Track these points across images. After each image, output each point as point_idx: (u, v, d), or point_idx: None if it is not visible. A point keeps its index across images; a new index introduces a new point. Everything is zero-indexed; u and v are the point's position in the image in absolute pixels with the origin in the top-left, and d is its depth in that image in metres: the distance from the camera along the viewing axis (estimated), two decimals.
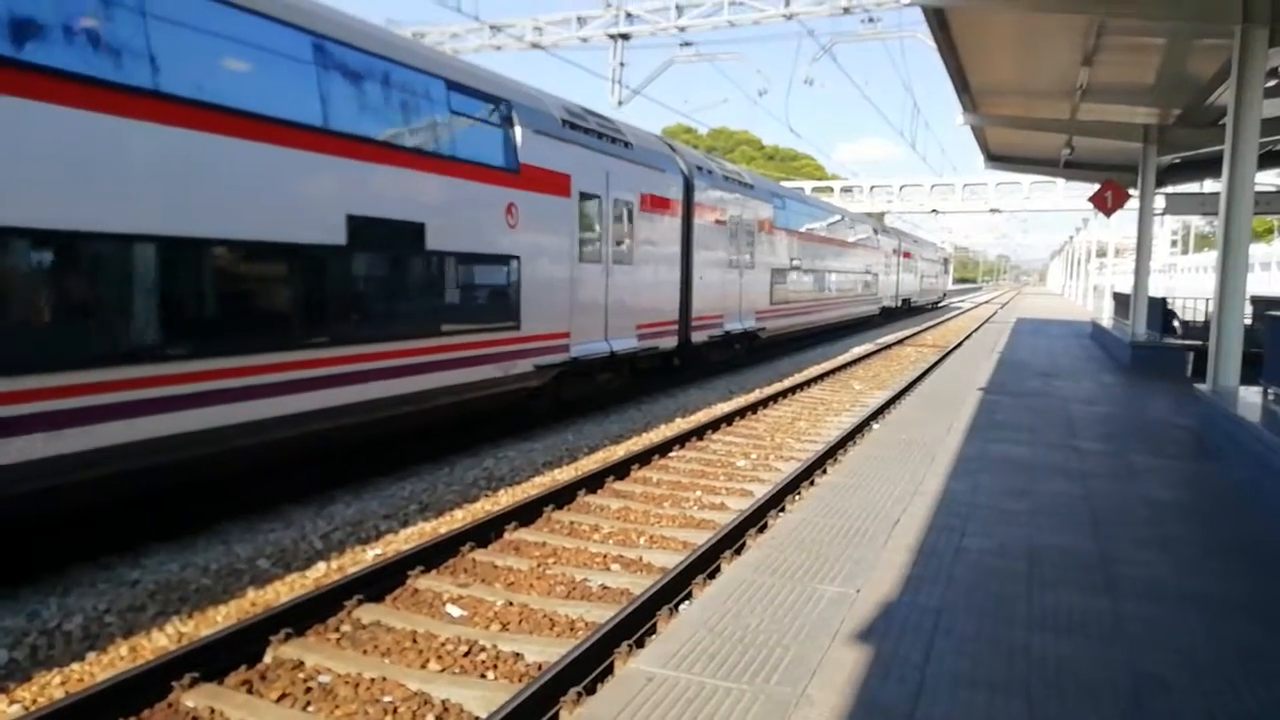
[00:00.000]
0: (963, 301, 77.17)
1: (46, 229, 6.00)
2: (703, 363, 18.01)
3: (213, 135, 7.12)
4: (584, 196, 12.72)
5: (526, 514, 8.10)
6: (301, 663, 5.25)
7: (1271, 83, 11.51)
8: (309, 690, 4.96)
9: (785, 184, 32.93)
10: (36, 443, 5.90)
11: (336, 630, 5.77)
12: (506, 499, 8.91)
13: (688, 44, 22.59)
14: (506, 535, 7.69)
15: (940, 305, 62.98)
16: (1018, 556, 5.42)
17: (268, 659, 5.31)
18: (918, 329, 35.56)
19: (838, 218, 31.36)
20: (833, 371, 19.89)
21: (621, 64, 22.42)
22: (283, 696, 4.89)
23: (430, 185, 9.66)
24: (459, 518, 8.29)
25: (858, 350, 24.92)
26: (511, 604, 6.19)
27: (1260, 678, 3.88)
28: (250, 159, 7.47)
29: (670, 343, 15.98)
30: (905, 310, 45.63)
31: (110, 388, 6.37)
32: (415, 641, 5.58)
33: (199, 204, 7.01)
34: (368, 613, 5.99)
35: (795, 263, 24.16)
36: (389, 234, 9.08)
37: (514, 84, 11.82)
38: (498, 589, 6.53)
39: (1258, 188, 12.19)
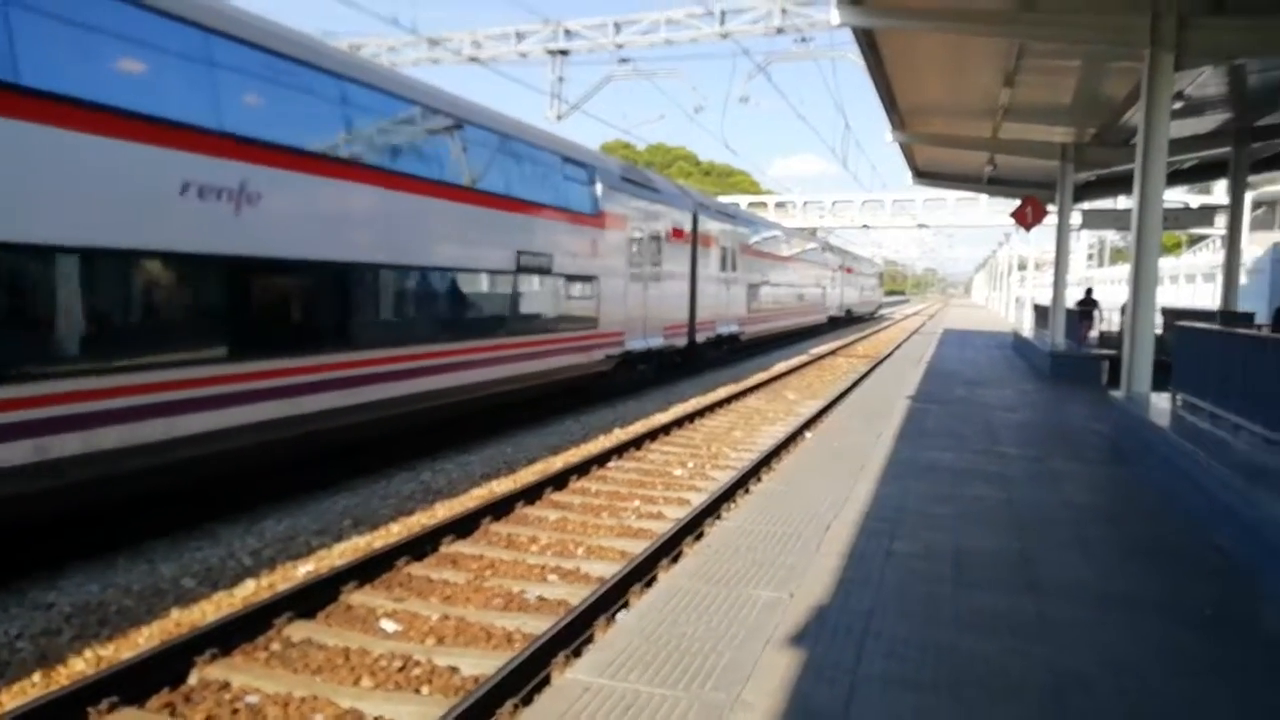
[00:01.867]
0: (893, 313, 79.05)
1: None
2: (702, 359, 21.98)
3: (478, 208, 11.94)
4: (634, 231, 17.04)
5: (463, 527, 8.02)
6: (228, 683, 5.10)
7: (1178, 105, 12.12)
8: (235, 711, 4.82)
9: (720, 199, 33.71)
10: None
11: (265, 649, 5.62)
12: (443, 512, 8.80)
13: (625, 61, 22.73)
14: (443, 548, 7.60)
15: (875, 316, 66.98)
16: (945, 559, 5.58)
17: (192, 680, 5.15)
18: (850, 340, 36.28)
19: (797, 240, 36.63)
20: (768, 382, 20.15)
21: (560, 79, 22.42)
22: (207, 719, 4.75)
23: (555, 228, 13.97)
24: (394, 532, 8.16)
25: (793, 361, 25.30)
26: (448, 617, 6.11)
27: (1175, 673, 4.06)
28: (491, 221, 12.21)
29: (683, 342, 20.27)
30: (847, 320, 50.17)
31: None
32: (348, 658, 5.47)
33: (481, 251, 12.00)
34: (298, 630, 5.85)
35: (765, 279, 28.89)
36: (536, 263, 13.24)
37: (595, 152, 16.92)
38: (433, 603, 6.44)
39: (1166, 204, 12.79)
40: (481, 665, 5.30)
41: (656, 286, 18.17)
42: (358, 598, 6.44)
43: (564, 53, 22.15)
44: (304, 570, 7.11)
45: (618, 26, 21.80)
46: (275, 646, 5.65)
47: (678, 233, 19.54)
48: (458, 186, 11.50)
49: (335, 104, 9.52)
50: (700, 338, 21.21)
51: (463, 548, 7.67)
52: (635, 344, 16.97)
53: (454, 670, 5.32)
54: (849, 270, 51.94)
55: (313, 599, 6.24)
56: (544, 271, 13.51)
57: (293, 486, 9.08)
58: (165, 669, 5.09)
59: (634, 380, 17.60)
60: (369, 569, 6.81)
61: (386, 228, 10.04)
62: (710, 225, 22.09)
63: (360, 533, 8.09)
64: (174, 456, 7.38)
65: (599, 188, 15.45)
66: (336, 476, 9.65)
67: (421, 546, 7.43)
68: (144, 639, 5.79)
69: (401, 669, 5.32)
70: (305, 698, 4.93)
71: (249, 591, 6.66)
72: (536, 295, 13.56)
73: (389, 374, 9.97)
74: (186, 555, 7.20)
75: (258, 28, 8.45)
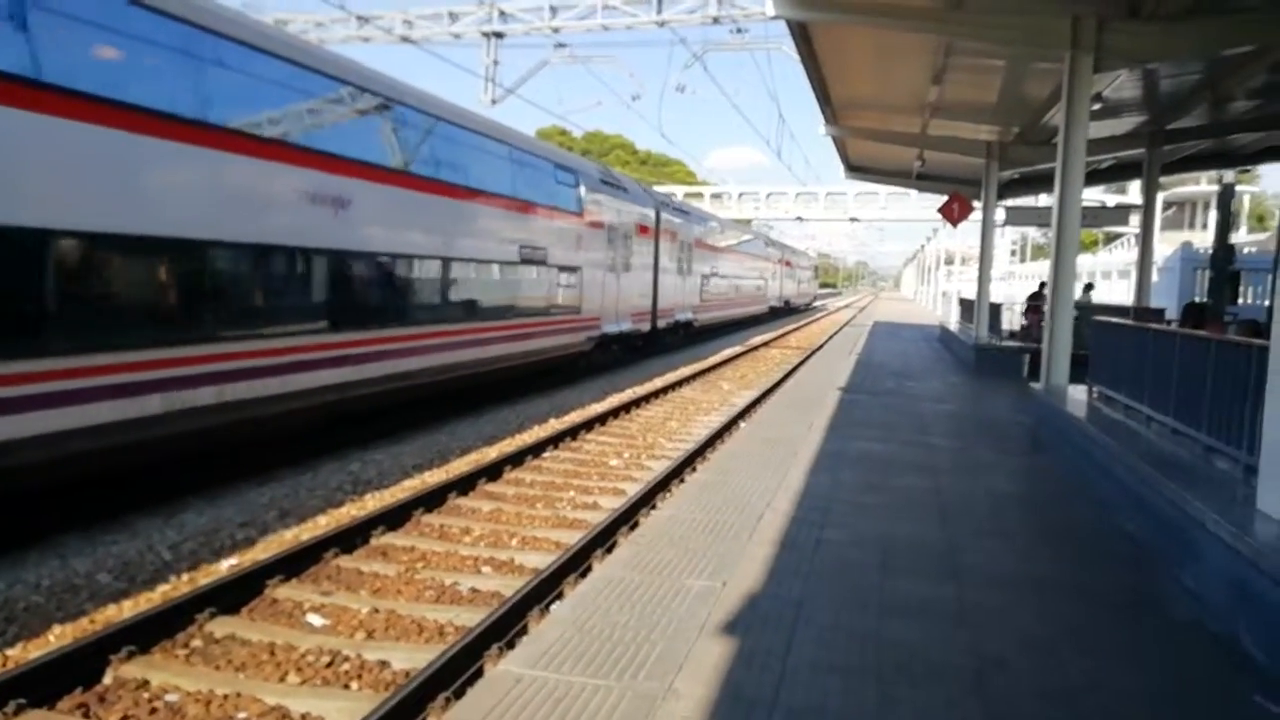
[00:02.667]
0: (826, 304, 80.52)
1: None
2: (661, 343, 24.44)
3: (506, 211, 14.62)
4: (609, 227, 19.22)
5: (394, 518, 7.90)
6: (146, 682, 4.94)
7: (1096, 106, 12.56)
8: (154, 711, 4.67)
9: (657, 189, 34.04)
10: None
11: (186, 646, 5.45)
12: (373, 503, 8.65)
13: (562, 45, 22.58)
14: (373, 540, 7.48)
15: (810, 307, 69.01)
16: (873, 547, 5.71)
17: (108, 679, 4.96)
18: (783, 331, 36.77)
19: (743, 234, 40.12)
20: (703, 372, 20.31)
21: (495, 62, 22.14)
22: (124, 719, 4.59)
23: (549, 225, 16.15)
24: (322, 524, 7.99)
25: (727, 352, 25.53)
26: (378, 611, 6.02)
27: (1083, 650, 4.23)
28: (506, 220, 14.57)
29: (646, 327, 22.64)
30: (785, 310, 52.87)
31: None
32: (273, 654, 5.35)
33: (499, 245, 14.29)
34: (221, 626, 5.69)
35: (715, 271, 31.52)
36: (535, 254, 15.40)
37: (580, 159, 20.26)
38: (363, 596, 6.34)
39: (1084, 202, 13.26)
40: (413, 659, 5.24)
41: (626, 277, 20.46)
42: (284, 592, 6.29)
43: (499, 35, 21.91)
44: (227, 564, 6.93)
45: (554, 10, 21.64)
46: (197, 643, 5.50)
47: (643, 229, 21.83)
48: (490, 194, 14.11)
49: (420, 133, 12.30)
50: (661, 323, 23.85)
51: (394, 539, 7.56)
52: (610, 328, 19.46)
53: (384, 665, 5.24)
54: (788, 264, 54.56)
55: (236, 594, 6.08)
56: (541, 263, 15.76)
57: (215, 477, 8.82)
58: (78, 668, 4.90)
59: (608, 359, 20.15)
60: (295, 562, 6.66)
61: (439, 227, 12.58)
62: (670, 221, 24.53)
63: (287, 525, 7.91)
64: (304, 404, 9.72)
65: (582, 189, 17.78)
66: (262, 467, 9.40)
67: (351, 539, 7.30)
68: (55, 638, 5.56)
69: (329, 664, 5.22)
70: (228, 695, 4.80)
71: (169, 586, 6.46)
72: (536, 284, 15.82)
73: (436, 347, 12.45)
74: (101, 549, 6.93)
75: (387, 81, 11.76)
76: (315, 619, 5.93)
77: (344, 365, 10.34)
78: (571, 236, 17.10)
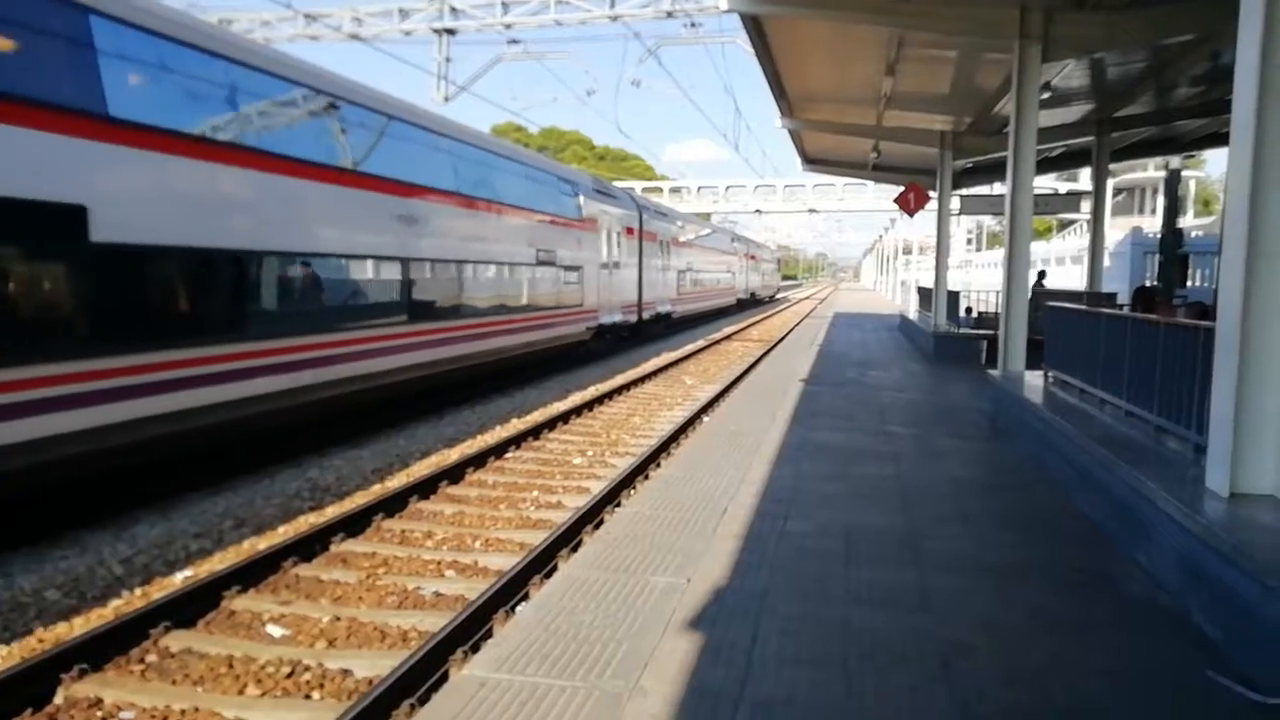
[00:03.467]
0: (788, 296, 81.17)
1: None
2: (646, 332, 27.21)
3: (531, 222, 17.40)
4: (603, 231, 21.85)
5: (354, 524, 7.78)
6: (99, 700, 4.81)
7: (1045, 95, 12.75)
8: None
9: (616, 184, 34.28)
10: None
11: (140, 662, 5.32)
12: (333, 510, 8.52)
13: (515, 41, 22.38)
14: (333, 548, 7.35)
15: (773, 299, 70.72)
16: (836, 537, 5.73)
17: (58, 699, 4.82)
18: (745, 324, 36.93)
19: (713, 231, 43.47)
20: (666, 367, 20.32)
21: (447, 59, 21.89)
22: None
23: (559, 231, 18.97)
24: (280, 532, 7.84)
25: (690, 346, 25.57)
26: (339, 619, 5.92)
27: (1045, 631, 4.29)
28: (532, 229, 17.41)
29: (634, 318, 25.33)
30: (751, 302, 55.64)
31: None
32: (231, 666, 5.24)
33: (526, 250, 16.96)
34: (177, 640, 5.56)
35: (690, 267, 34.66)
36: (549, 257, 17.99)
37: (577, 171, 23.73)
38: (324, 604, 6.23)
39: (1036, 190, 13.47)
40: (376, 666, 5.16)
41: (617, 274, 23.15)
42: (241, 603, 6.16)
43: (451, 32, 21.66)
44: (182, 576, 6.77)
45: (505, 6, 21.46)
46: (152, 658, 5.36)
47: (629, 230, 24.63)
48: (521, 208, 16.94)
49: (475, 165, 15.38)
50: (645, 315, 26.65)
51: (354, 546, 7.44)
52: (605, 319, 22.19)
53: (346, 673, 5.16)
54: (753, 258, 57.64)
55: (192, 606, 5.95)
56: (554, 264, 18.41)
57: (168, 488, 8.61)
58: (28, 689, 4.75)
59: (604, 347, 22.93)
60: (253, 572, 6.53)
61: (482, 237, 15.32)
62: (651, 224, 27.50)
63: (243, 534, 7.75)
64: (378, 383, 11.86)
65: (581, 198, 20.56)
66: (216, 476, 9.20)
67: (310, 546, 7.18)
68: (2, 658, 5.38)
69: (290, 675, 5.12)
70: (185, 710, 4.69)
71: (121, 601, 6.30)
72: (553, 282, 18.46)
73: (485, 334, 15.16)
74: (49, 566, 6.73)
75: (471, 131, 15.88)
76: (275, 629, 5.81)
77: (430, 349, 13.26)
78: (575, 240, 19.90)
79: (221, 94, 9.38)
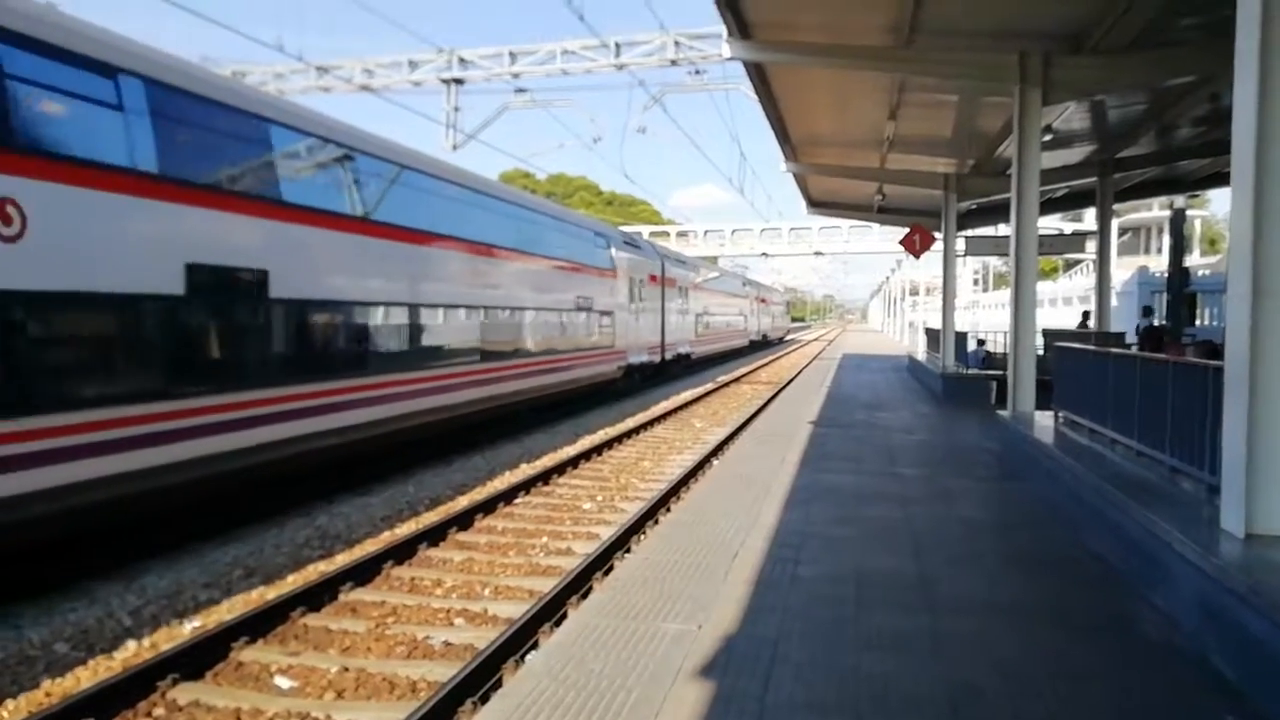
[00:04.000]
0: (797, 338, 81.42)
1: None
2: (668, 372, 29.23)
3: (577, 274, 20.03)
4: (630, 279, 24.11)
5: (363, 572, 7.74)
6: None
7: (1047, 138, 12.89)
8: None
9: (624, 229, 34.82)
10: None
11: (148, 715, 5.29)
12: (342, 558, 8.49)
13: (522, 90, 22.77)
14: (342, 597, 7.32)
15: (783, 340, 73.73)
16: (847, 581, 5.68)
17: None
18: (754, 366, 36.94)
19: (726, 276, 45.99)
20: (676, 410, 20.30)
21: (456, 109, 22.29)
22: None
23: (596, 280, 21.31)
24: (289, 581, 7.82)
25: (699, 389, 25.57)
26: (347, 669, 5.87)
27: (1059, 676, 4.23)
28: (577, 280, 19.83)
29: (657, 359, 27.39)
30: (763, 343, 58.47)
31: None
32: (239, 719, 5.19)
33: (568, 296, 19.39)
34: (185, 692, 5.52)
35: (707, 310, 36.99)
36: (588, 304, 20.36)
37: (608, 226, 26.21)
38: (332, 655, 6.19)
39: (1041, 231, 13.54)
40: (383, 718, 5.12)
41: (643, 318, 25.46)
42: (250, 654, 6.13)
43: (459, 81, 22.07)
44: (190, 627, 6.75)
45: (513, 56, 21.87)
46: (159, 711, 5.33)
47: (652, 278, 26.87)
48: (573, 262, 19.79)
49: (533, 225, 17.98)
50: (668, 355, 28.90)
51: (363, 595, 7.40)
52: (633, 359, 24.42)
53: None
54: (763, 301, 60.56)
55: (200, 658, 5.92)
56: (591, 310, 20.69)
57: (177, 538, 8.61)
58: None
59: (633, 385, 24.91)
60: (262, 622, 6.50)
61: (537, 286, 17.60)
62: (672, 271, 30.04)
63: (252, 584, 7.73)
64: (453, 414, 13.77)
65: (612, 250, 22.95)
66: (225, 525, 9.20)
67: (319, 595, 7.15)
68: (9, 713, 5.35)
69: None
70: None
71: (129, 653, 6.27)
72: (592, 325, 20.83)
73: (538, 371, 17.32)
74: (59, 618, 6.71)
75: (546, 204, 20.82)
76: (283, 681, 5.77)
77: (502, 383, 15.55)
78: (609, 288, 22.26)
79: (391, 187, 12.46)
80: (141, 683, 5.46)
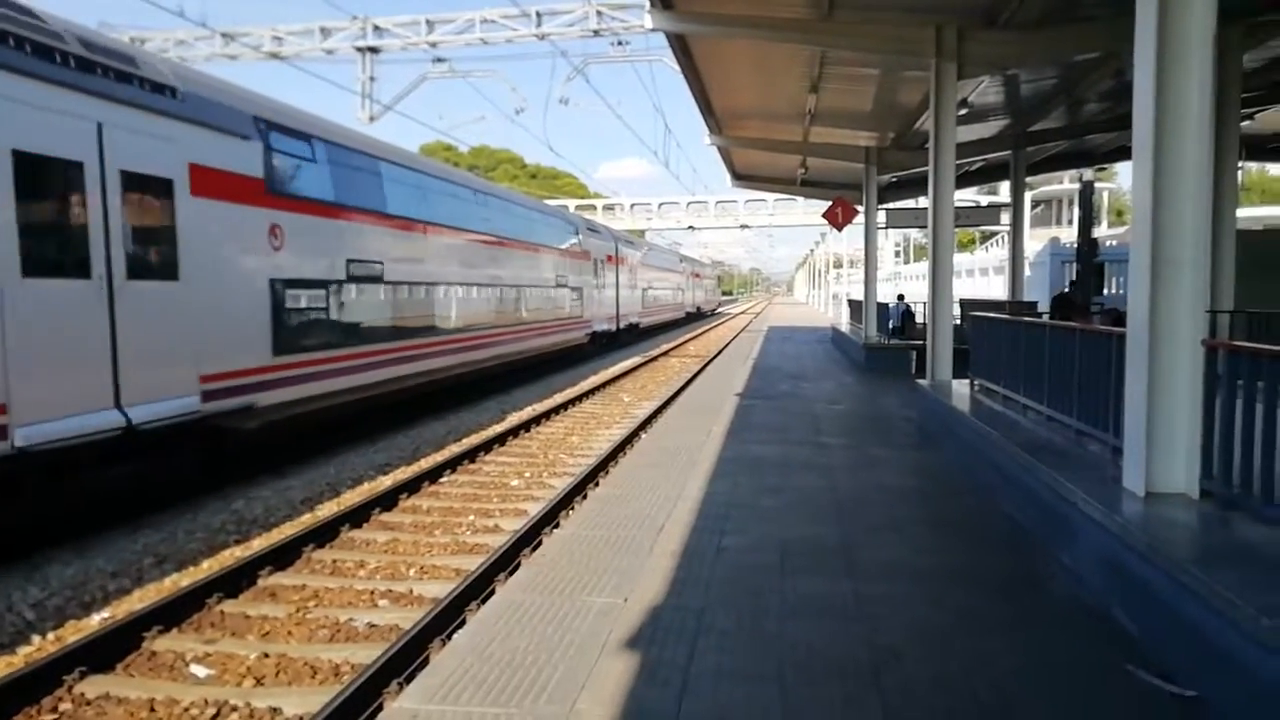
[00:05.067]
0: (724, 311, 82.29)
1: None
2: (621, 339, 33.80)
3: (558, 257, 24.94)
4: (593, 259, 28.44)
5: (282, 556, 7.54)
6: None
7: (963, 111, 13.16)
8: None
9: (549, 202, 34.95)
10: None
11: (54, 711, 5.05)
12: (260, 542, 8.25)
13: (441, 60, 22.22)
14: (260, 581, 7.12)
15: (714, 313, 77.54)
16: (772, 550, 5.77)
17: None
18: (682, 340, 37.15)
19: (668, 253, 52.93)
20: (605, 384, 20.28)
21: (371, 78, 21.62)
22: None
23: (568, 260, 25.28)
24: (204, 567, 7.57)
25: (627, 364, 25.61)
26: (267, 655, 5.72)
27: (972, 634, 4.37)
28: (555, 262, 24.35)
29: (613, 327, 31.95)
30: (698, 315, 63.32)
31: None
32: (153, 710, 5.02)
33: (551, 274, 24.21)
34: (93, 685, 5.30)
35: (651, 284, 42.50)
36: (565, 280, 24.65)
37: (579, 215, 32.25)
38: (251, 641, 6.02)
39: (958, 203, 13.87)
40: (306, 703, 4.99)
41: (601, 292, 29.86)
42: (163, 643, 5.91)
43: (374, 50, 21.42)
44: (99, 618, 6.47)
45: (430, 24, 21.32)
46: (65, 706, 5.10)
47: (610, 258, 31.54)
48: (553, 247, 24.01)
49: (531, 221, 22.40)
50: (622, 324, 33.80)
51: (283, 579, 7.21)
52: (597, 328, 29.12)
53: (275, 712, 4.98)
54: (697, 275, 65.58)
55: (110, 649, 5.67)
56: (566, 286, 24.84)
57: (83, 527, 8.24)
58: None
59: (598, 349, 29.63)
60: (175, 611, 6.27)
61: (532, 269, 21.86)
62: (623, 250, 34.82)
63: (165, 571, 7.46)
64: (482, 366, 18.30)
65: (580, 235, 27.20)
66: (135, 512, 8.84)
67: (236, 581, 6.93)
68: None
69: (215, 716, 4.93)
70: None
71: (33, 647, 5.99)
72: (566, 298, 24.86)
73: (529, 335, 21.33)
74: None
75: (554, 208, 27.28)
76: (199, 669, 5.59)
77: (509, 344, 19.92)
78: (578, 268, 26.44)
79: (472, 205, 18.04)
80: (46, 676, 5.22)
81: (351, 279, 12.48)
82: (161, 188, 8.80)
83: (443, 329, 15.94)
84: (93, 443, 7.73)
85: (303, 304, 11.39)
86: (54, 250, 7.60)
